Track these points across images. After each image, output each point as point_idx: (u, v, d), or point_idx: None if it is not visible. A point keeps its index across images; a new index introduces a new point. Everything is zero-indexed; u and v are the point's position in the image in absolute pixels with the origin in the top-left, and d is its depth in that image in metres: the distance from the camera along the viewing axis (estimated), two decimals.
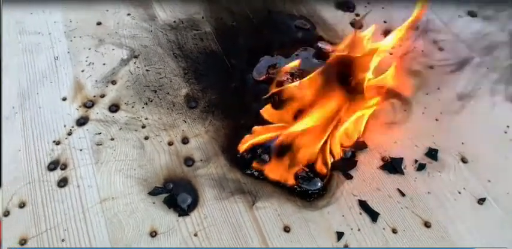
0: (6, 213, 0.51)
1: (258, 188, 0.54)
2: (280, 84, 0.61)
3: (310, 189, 0.53)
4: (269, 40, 0.69)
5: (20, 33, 0.71)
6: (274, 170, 0.53)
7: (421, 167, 0.56)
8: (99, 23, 0.73)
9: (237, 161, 0.55)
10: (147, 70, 0.66)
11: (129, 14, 0.74)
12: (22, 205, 0.51)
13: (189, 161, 0.56)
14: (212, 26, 0.72)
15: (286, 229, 0.51)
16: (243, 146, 0.55)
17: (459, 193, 0.55)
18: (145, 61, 0.67)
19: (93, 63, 0.67)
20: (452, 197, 0.55)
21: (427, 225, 0.52)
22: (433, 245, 0.51)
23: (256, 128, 0.56)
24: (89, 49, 0.69)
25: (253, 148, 0.55)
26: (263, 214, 0.52)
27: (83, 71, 0.66)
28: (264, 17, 0.74)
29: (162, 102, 0.62)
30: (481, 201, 0.54)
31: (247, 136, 0.56)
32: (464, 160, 0.58)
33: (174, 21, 0.72)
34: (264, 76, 0.63)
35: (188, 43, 0.69)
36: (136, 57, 0.68)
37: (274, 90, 0.59)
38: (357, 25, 0.68)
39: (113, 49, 0.69)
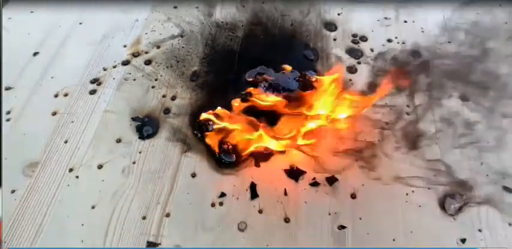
0: (56, 96, 0.85)
1: (194, 144, 0.79)
2: (256, 87, 0.85)
3: (224, 159, 0.76)
4: (277, 56, 0.91)
5: None
6: (212, 138, 0.78)
7: (315, 184, 0.73)
8: (175, 7, 1.04)
9: (194, 123, 0.81)
10: (182, 47, 0.95)
11: (197, 7, 1.03)
12: (66, 95, 0.85)
13: (167, 110, 0.84)
14: (245, 33, 0.97)
15: (193, 175, 0.75)
16: (202, 116, 0.81)
17: (329, 214, 0.70)
18: (185, 41, 0.96)
19: (155, 31, 0.98)
20: (319, 214, 0.70)
21: (286, 220, 0.70)
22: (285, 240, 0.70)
23: (219, 109, 0.82)
24: (158, 21, 1.01)
25: (208, 121, 0.81)
26: (186, 160, 0.76)
27: (146, 33, 0.98)
28: (287, 39, 0.97)
29: (177, 70, 0.91)
30: (341, 227, 0.69)
31: (209, 111, 0.81)
32: (353, 196, 0.72)
33: (222, 22, 1.00)
34: (252, 79, 0.88)
35: (220, 39, 0.97)
36: (182, 36, 0.97)
37: (248, 90, 0.84)
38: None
39: (172, 27, 0.99)
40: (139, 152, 0.77)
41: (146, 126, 0.80)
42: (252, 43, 0.95)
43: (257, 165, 0.76)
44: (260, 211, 0.71)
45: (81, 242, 0.66)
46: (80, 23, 1.00)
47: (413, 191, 0.73)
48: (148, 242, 0.66)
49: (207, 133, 0.78)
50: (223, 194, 0.72)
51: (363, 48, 0.94)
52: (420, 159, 0.77)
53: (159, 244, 0.66)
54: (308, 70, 0.88)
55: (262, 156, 0.77)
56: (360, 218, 0.70)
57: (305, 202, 0.72)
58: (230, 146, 0.77)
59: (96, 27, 0.99)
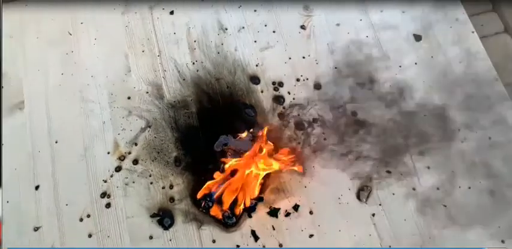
0: (81, 219, 1.04)
1: (204, 218, 1.00)
2: (226, 156, 1.04)
3: (228, 222, 0.99)
4: (227, 122, 1.07)
5: (82, 100, 1.19)
6: (214, 210, 0.99)
7: (287, 214, 1.00)
8: (129, 97, 1.18)
9: (196, 202, 1.01)
10: (155, 137, 1.11)
11: (147, 92, 1.17)
12: (88, 216, 1.04)
13: (171, 199, 1.02)
14: (196, 107, 1.12)
15: (214, 241, 0.98)
16: (199, 194, 1.01)
17: (302, 230, 0.99)
18: (154, 130, 1.11)
19: (124, 129, 1.13)
20: (297, 230, 0.98)
21: (280, 245, 0.97)
22: None
23: (208, 183, 1.02)
24: (123, 118, 1.14)
25: (205, 196, 1.03)
26: (204, 233, 0.99)
27: (119, 134, 1.12)
28: (229, 103, 1.11)
29: (161, 160, 1.09)
30: (311, 236, 0.98)
31: (202, 189, 1.02)
32: (311, 212, 1.00)
33: (174, 101, 1.14)
34: (220, 149, 1.07)
35: (180, 119, 1.12)
36: (149, 126, 1.12)
37: (222, 159, 1.04)
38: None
39: (137, 120, 1.13)
40: (170, 240, 0.99)
41: (165, 218, 1.01)
42: (205, 115, 1.10)
43: (250, 216, 1.01)
44: (264, 246, 0.98)
45: None
46: (56, 142, 1.14)
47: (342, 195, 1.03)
48: None
49: (210, 209, 1.00)
50: (237, 246, 0.98)
51: (283, 93, 1.11)
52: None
53: None
54: (255, 127, 1.07)
55: (250, 209, 1.01)
56: (319, 225, 1.00)
57: (286, 229, 0.99)
58: (228, 212, 1.00)
59: (73, 140, 1.14)
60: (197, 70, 1.14)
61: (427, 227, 0.98)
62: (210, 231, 0.99)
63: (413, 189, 1.02)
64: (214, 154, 1.06)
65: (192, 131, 1.10)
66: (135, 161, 1.08)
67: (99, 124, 1.13)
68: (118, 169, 1.07)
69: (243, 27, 1.16)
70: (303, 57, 1.14)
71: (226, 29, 1.16)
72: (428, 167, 1.03)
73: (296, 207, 1.01)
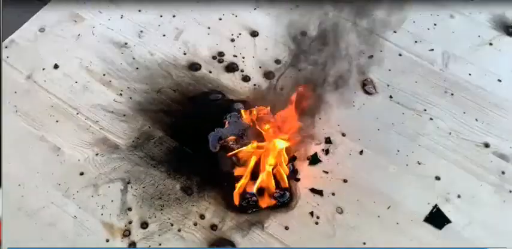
0: None
1: (260, 217, 0.82)
2: (232, 149, 0.86)
3: (284, 200, 0.83)
4: (202, 118, 0.92)
5: (31, 215, 0.89)
6: (262, 202, 0.81)
7: (327, 152, 0.91)
8: (81, 173, 0.93)
9: (239, 209, 0.82)
10: (143, 187, 0.86)
11: (97, 154, 0.93)
12: None
13: (213, 227, 0.80)
14: (160, 129, 0.93)
15: (286, 228, 0.82)
16: (236, 199, 0.81)
17: (350, 154, 0.91)
18: (137, 182, 0.87)
19: (104, 205, 0.86)
20: (346, 157, 0.91)
21: (345, 181, 0.88)
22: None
23: (237, 184, 0.81)
24: (92, 196, 0.88)
25: (243, 197, 0.81)
26: (271, 229, 0.81)
27: (102, 214, 0.86)
28: (188, 103, 0.96)
29: (170, 202, 0.83)
30: (361, 152, 0.91)
31: (235, 191, 0.81)
32: (343, 134, 0.93)
33: (133, 141, 0.92)
34: (219, 148, 0.88)
35: (154, 151, 0.90)
36: (129, 182, 0.87)
37: (229, 154, 0.86)
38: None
39: (109, 187, 0.88)
40: None
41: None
42: (176, 130, 0.93)
43: (297, 180, 0.88)
44: (333, 194, 0.87)
45: None
46: None
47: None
48: None
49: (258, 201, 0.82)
50: (311, 213, 0.84)
51: (230, 59, 1.02)
52: None
53: None
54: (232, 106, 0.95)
55: (293, 174, 0.88)
56: (359, 139, 0.94)
57: (337, 163, 0.91)
58: (278, 191, 0.84)
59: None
60: (130, 98, 0.97)
61: (433, 74, 1.01)
62: (275, 222, 0.83)
63: (400, 55, 1.03)
64: (216, 156, 0.86)
65: (176, 153, 0.89)
66: (144, 225, 0.82)
67: (72, 222, 0.85)
68: (132, 245, 0.80)
69: (141, 31, 1.05)
70: (220, 19, 1.07)
71: (126, 43, 1.03)
72: (409, 32, 1.06)
73: (328, 141, 0.92)
